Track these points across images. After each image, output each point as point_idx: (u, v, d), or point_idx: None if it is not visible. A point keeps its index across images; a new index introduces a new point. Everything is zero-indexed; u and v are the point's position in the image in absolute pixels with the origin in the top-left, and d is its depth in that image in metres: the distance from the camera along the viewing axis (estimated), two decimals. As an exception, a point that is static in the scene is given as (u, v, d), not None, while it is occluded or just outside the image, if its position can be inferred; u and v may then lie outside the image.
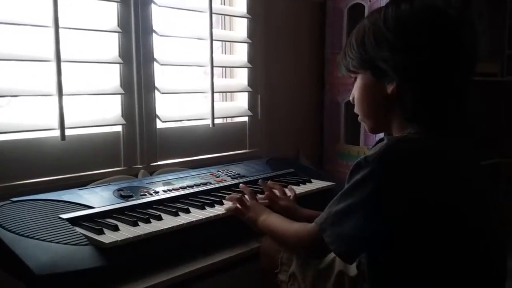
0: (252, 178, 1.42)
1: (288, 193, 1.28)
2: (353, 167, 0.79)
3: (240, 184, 1.29)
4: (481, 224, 0.81)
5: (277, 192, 1.26)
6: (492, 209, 0.84)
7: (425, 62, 0.79)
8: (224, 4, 1.77)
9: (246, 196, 1.19)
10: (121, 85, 1.39)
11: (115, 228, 0.99)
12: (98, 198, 1.14)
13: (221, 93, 1.77)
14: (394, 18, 0.81)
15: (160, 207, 1.15)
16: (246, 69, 1.75)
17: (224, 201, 1.21)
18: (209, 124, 1.57)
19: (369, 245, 0.80)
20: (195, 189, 1.28)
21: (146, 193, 1.21)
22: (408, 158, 0.76)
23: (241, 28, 1.75)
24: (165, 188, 1.26)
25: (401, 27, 0.80)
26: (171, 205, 1.16)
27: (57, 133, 1.23)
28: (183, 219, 1.08)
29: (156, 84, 1.45)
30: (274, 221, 1.04)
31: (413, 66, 0.79)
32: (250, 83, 1.75)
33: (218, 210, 1.15)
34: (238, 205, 1.14)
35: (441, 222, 0.75)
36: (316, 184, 1.46)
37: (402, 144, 0.79)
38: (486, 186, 0.85)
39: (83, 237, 0.95)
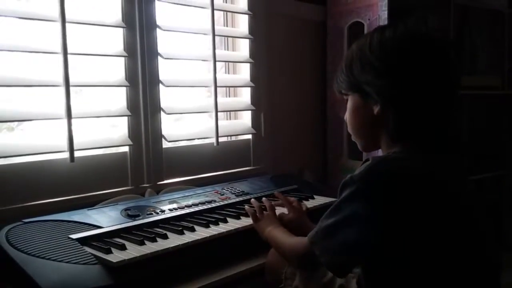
0: (256, 195, 1.44)
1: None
2: (341, 186, 0.83)
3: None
4: (469, 240, 0.83)
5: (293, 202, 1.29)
6: (481, 225, 0.86)
7: (406, 86, 0.82)
8: (227, 26, 1.81)
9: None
10: (127, 107, 1.43)
11: (123, 247, 1.02)
12: (106, 218, 1.17)
13: (225, 112, 1.81)
14: (378, 44, 0.85)
15: (166, 225, 1.18)
16: (249, 88, 1.78)
17: (228, 219, 1.24)
18: (213, 143, 1.60)
19: (358, 259, 0.83)
20: (200, 207, 1.31)
21: (153, 212, 1.24)
22: (390, 177, 0.79)
23: (243, 48, 1.79)
24: (171, 206, 1.29)
25: (384, 52, 0.84)
26: (177, 223, 1.19)
27: (66, 155, 1.26)
28: (188, 237, 1.10)
29: (162, 105, 1.49)
30: (277, 233, 1.10)
31: (394, 89, 0.83)
32: (253, 102, 1.79)
33: (223, 228, 1.18)
34: (257, 211, 1.20)
35: (426, 238, 0.78)
36: (319, 200, 1.48)
37: (384, 164, 0.82)
38: (473, 203, 0.87)
39: (92, 257, 0.98)
